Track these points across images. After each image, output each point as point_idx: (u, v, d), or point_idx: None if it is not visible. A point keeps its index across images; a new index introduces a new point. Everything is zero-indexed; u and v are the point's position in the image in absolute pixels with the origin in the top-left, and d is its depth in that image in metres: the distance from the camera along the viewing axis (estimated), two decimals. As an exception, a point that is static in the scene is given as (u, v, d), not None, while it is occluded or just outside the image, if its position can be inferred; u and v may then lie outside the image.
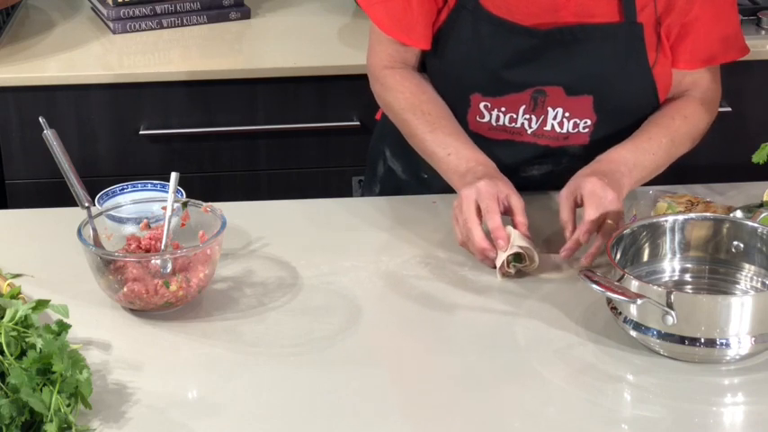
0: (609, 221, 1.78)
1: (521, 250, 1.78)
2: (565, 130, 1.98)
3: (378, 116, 2.25)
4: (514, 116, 1.97)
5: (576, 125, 1.98)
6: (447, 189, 2.07)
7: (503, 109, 1.97)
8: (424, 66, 2.04)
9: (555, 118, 1.97)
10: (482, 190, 1.80)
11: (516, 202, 1.82)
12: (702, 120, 1.99)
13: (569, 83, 1.94)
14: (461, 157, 1.89)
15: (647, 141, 1.92)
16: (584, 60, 1.93)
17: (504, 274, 1.79)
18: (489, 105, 1.97)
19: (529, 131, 1.98)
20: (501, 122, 1.98)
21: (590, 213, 1.79)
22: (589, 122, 1.98)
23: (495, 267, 1.79)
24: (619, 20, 1.92)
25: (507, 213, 1.82)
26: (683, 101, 2.00)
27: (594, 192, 1.80)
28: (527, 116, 1.97)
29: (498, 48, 1.94)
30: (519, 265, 1.79)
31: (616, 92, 1.96)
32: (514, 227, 1.80)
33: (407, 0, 1.95)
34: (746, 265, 1.73)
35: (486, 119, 1.98)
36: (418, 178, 2.14)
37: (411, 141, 1.99)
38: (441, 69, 1.99)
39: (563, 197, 1.84)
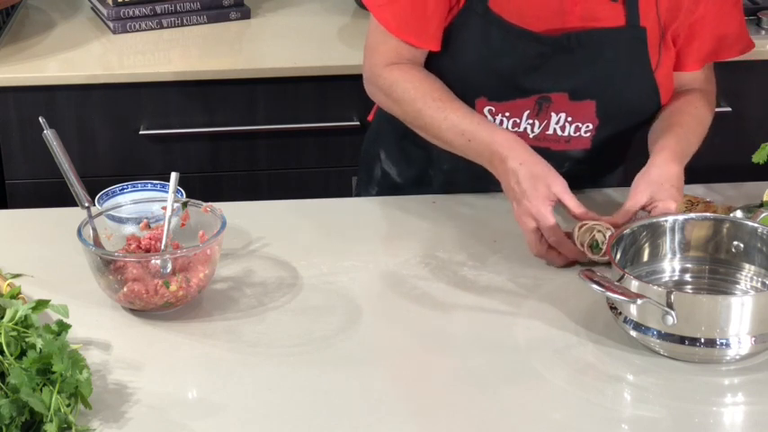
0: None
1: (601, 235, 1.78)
2: (566, 134, 1.98)
3: (370, 117, 2.24)
4: (518, 121, 1.97)
5: (577, 129, 1.98)
6: (449, 188, 2.07)
7: (507, 114, 1.96)
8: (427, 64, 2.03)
9: (558, 122, 1.97)
10: (534, 213, 1.79)
11: (558, 188, 1.80)
12: (709, 112, 2.01)
13: (574, 89, 1.94)
14: (481, 142, 1.87)
15: (689, 131, 1.94)
16: (590, 66, 1.93)
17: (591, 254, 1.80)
18: (494, 110, 1.96)
19: (531, 135, 1.98)
20: (504, 127, 1.97)
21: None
22: (591, 126, 1.98)
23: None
24: (623, 24, 1.92)
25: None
26: (690, 95, 2.00)
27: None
28: (530, 121, 1.97)
29: (507, 54, 1.93)
30: (597, 256, 1.79)
31: (619, 96, 1.96)
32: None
33: (418, 0, 1.93)
34: (746, 265, 1.73)
35: None
36: (416, 180, 2.13)
37: (427, 133, 1.95)
38: (446, 71, 1.97)
39: (640, 196, 1.82)
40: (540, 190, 1.79)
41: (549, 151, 1.99)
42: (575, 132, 1.98)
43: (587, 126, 1.98)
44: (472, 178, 2.01)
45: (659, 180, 1.83)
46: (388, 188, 2.16)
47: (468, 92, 1.95)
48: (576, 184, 1.94)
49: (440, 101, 1.92)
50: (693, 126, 1.96)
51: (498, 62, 1.93)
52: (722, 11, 1.99)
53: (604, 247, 1.77)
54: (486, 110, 1.96)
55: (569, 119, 1.97)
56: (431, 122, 1.92)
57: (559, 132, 1.98)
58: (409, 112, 1.95)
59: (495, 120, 1.97)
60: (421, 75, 1.96)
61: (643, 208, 1.82)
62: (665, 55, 1.96)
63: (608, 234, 1.77)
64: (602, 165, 2.09)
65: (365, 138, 2.26)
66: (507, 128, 1.97)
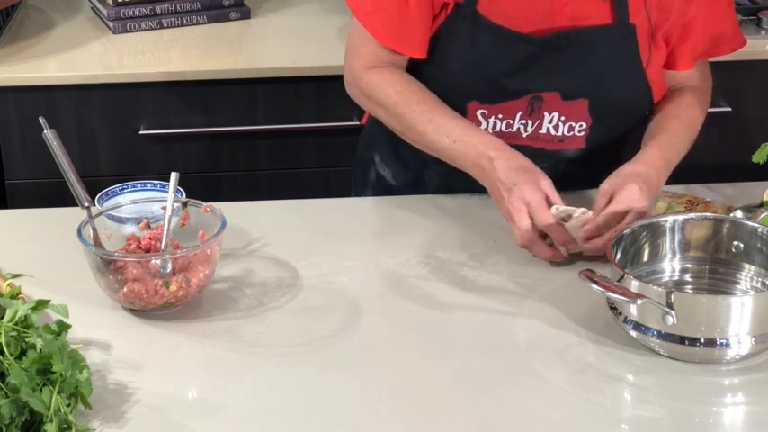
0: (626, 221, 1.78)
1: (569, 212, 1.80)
2: (560, 134, 1.98)
3: (364, 121, 2.24)
4: (511, 122, 1.97)
5: (571, 128, 1.98)
6: (444, 191, 2.07)
7: (500, 116, 1.97)
8: (411, 71, 2.02)
9: (551, 122, 1.97)
10: (529, 201, 1.79)
11: (545, 184, 1.81)
12: (702, 111, 2.01)
13: (566, 88, 1.94)
14: (467, 143, 1.87)
15: (674, 137, 1.93)
16: (580, 65, 1.93)
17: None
18: (486, 113, 1.96)
19: (524, 135, 1.98)
20: (497, 129, 1.97)
21: (611, 208, 1.78)
22: (584, 125, 1.98)
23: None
24: (611, 22, 1.92)
25: None
26: (685, 91, 2.01)
27: (627, 198, 1.78)
28: (523, 121, 1.97)
29: (497, 56, 1.93)
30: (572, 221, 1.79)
31: (611, 94, 1.96)
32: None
33: (404, 8, 1.92)
34: (746, 265, 1.73)
35: (483, 126, 1.97)
36: (411, 182, 2.13)
37: (408, 136, 1.96)
38: (436, 77, 1.96)
39: (602, 192, 1.82)
40: (530, 179, 1.80)
41: (543, 151, 1.99)
42: (568, 132, 1.98)
43: (581, 125, 1.98)
44: (468, 180, 2.01)
45: (627, 173, 1.83)
46: (383, 191, 2.16)
47: (459, 96, 1.95)
48: (571, 185, 1.95)
49: (424, 104, 1.92)
50: (681, 131, 1.95)
51: (488, 66, 1.93)
52: (714, 10, 1.99)
53: (577, 214, 1.78)
54: (478, 113, 1.96)
55: (562, 118, 1.97)
56: (414, 126, 1.92)
57: (553, 132, 1.98)
58: (392, 116, 1.96)
59: (488, 122, 1.97)
60: (402, 78, 1.96)
61: (611, 200, 1.81)
62: (656, 53, 1.97)
63: (580, 211, 1.78)
64: (597, 164, 2.08)
65: (359, 141, 2.25)
66: (501, 129, 1.97)
